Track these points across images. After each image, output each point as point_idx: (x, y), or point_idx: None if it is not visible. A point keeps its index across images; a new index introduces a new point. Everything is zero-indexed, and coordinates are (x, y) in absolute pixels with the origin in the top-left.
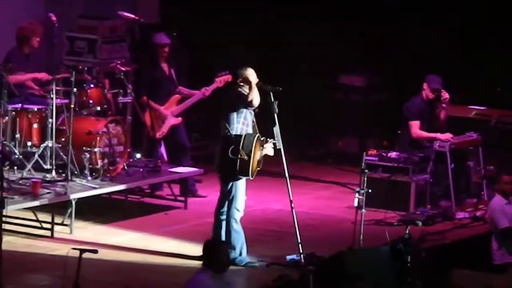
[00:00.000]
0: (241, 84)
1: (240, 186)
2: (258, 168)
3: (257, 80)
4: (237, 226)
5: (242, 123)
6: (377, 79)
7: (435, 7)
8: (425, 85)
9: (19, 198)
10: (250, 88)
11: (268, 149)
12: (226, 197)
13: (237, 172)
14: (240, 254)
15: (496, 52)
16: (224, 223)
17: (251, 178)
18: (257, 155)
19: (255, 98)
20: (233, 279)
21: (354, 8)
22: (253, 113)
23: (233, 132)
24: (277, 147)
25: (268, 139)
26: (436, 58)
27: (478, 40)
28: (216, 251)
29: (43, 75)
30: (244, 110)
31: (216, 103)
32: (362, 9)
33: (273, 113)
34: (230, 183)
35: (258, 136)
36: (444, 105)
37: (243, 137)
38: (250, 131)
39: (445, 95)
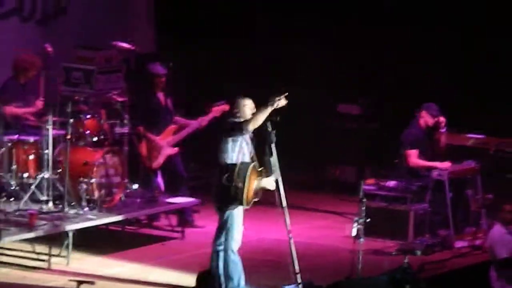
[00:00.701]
0: (238, 114)
1: (236, 215)
2: (256, 199)
3: (254, 110)
4: (234, 257)
5: (238, 151)
6: (373, 108)
7: (431, 35)
8: (423, 113)
9: (15, 230)
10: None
11: (269, 183)
12: (223, 227)
13: (231, 200)
14: (238, 285)
15: (493, 79)
16: (221, 254)
17: (247, 207)
18: (252, 183)
19: (252, 122)
20: None
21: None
22: (250, 143)
23: (229, 161)
24: (274, 178)
25: (268, 172)
26: (431, 87)
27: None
28: (207, 282)
29: (38, 104)
30: (240, 139)
31: (213, 133)
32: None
33: (270, 143)
34: (227, 213)
35: (255, 165)
36: (442, 130)
37: (238, 165)
38: (247, 160)
39: (442, 118)
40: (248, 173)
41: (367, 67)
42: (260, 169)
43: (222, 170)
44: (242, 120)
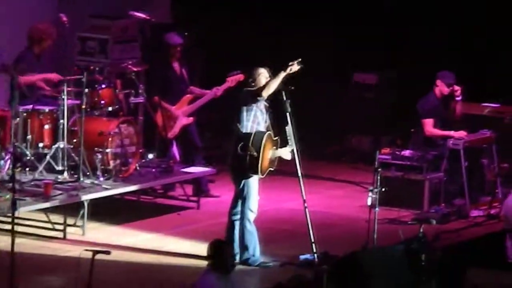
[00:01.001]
0: (253, 84)
1: (252, 185)
2: (272, 168)
3: (269, 79)
4: (250, 227)
5: (252, 121)
6: (390, 77)
7: (445, 5)
8: (438, 82)
9: (31, 200)
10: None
11: (285, 153)
12: (239, 196)
13: (246, 170)
14: (254, 255)
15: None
16: (237, 223)
17: (262, 176)
18: (267, 153)
19: (266, 89)
20: (242, 279)
21: (366, 8)
22: (265, 113)
23: (243, 130)
24: (291, 147)
25: (285, 143)
26: (447, 56)
27: (493, 38)
28: (220, 250)
29: (54, 76)
30: (254, 108)
31: (228, 102)
32: (374, 10)
33: (285, 112)
34: (242, 182)
35: (269, 134)
36: (458, 98)
37: (253, 134)
38: (262, 130)
39: (457, 87)
40: (263, 142)
41: (384, 37)
42: (275, 138)
43: (237, 139)
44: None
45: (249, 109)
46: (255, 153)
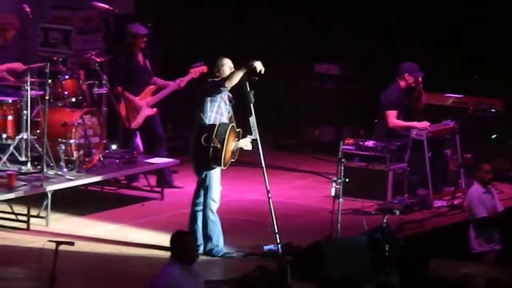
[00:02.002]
0: (217, 74)
1: (214, 176)
2: (233, 159)
3: (233, 69)
4: (213, 217)
5: (216, 111)
6: (351, 68)
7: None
8: (407, 75)
9: None
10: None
11: (245, 143)
12: (201, 187)
13: (209, 161)
14: (217, 245)
15: (472, 39)
16: (200, 214)
17: (224, 168)
18: (230, 144)
19: (229, 79)
20: (206, 269)
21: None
22: (228, 104)
23: (207, 121)
24: (253, 138)
25: (247, 134)
26: (411, 47)
27: (454, 28)
28: (182, 242)
29: (17, 65)
30: (218, 99)
31: (191, 94)
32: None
33: (249, 103)
34: (204, 173)
35: (233, 126)
36: (419, 87)
37: (217, 125)
38: (225, 121)
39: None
40: (227, 134)
41: (344, 29)
42: (238, 130)
43: (200, 130)
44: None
45: (213, 99)
46: (218, 145)
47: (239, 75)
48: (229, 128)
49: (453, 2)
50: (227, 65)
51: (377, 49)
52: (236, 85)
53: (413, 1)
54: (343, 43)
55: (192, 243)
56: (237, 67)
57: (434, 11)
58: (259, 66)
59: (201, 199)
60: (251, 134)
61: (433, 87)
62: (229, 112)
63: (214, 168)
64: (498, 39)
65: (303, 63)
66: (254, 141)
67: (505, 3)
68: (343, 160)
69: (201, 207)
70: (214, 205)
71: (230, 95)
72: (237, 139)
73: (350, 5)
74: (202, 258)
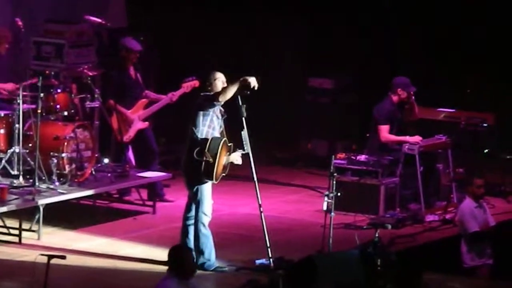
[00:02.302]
0: (209, 88)
1: (206, 190)
2: (224, 174)
3: (225, 84)
4: (205, 231)
5: (208, 126)
6: (345, 82)
7: (405, 8)
8: (400, 90)
9: None
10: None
11: (236, 158)
12: (193, 201)
13: (201, 175)
14: (209, 259)
15: (466, 53)
16: (191, 228)
17: (215, 182)
18: (222, 159)
19: (223, 94)
20: (201, 284)
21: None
22: (221, 118)
23: (199, 135)
24: (245, 151)
25: (237, 148)
26: (404, 60)
27: (447, 41)
28: (182, 257)
29: (9, 86)
30: (211, 113)
31: (182, 108)
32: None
33: (241, 117)
34: (196, 187)
35: (225, 141)
36: (411, 100)
37: (209, 139)
38: (217, 135)
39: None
40: (220, 148)
41: (339, 42)
42: (229, 144)
43: (192, 144)
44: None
45: (206, 113)
46: (211, 159)
47: (232, 90)
48: (222, 143)
49: (453, 2)
50: (220, 79)
51: (375, 56)
52: (228, 99)
53: (413, 2)
54: (340, 48)
55: (192, 259)
56: (231, 81)
57: (433, 12)
58: (253, 82)
59: (193, 213)
60: (242, 148)
61: (425, 100)
62: (221, 127)
63: (205, 182)
64: (499, 40)
65: (297, 77)
66: (246, 155)
67: (505, 3)
68: (335, 174)
69: (192, 221)
70: (205, 219)
71: (222, 110)
72: (228, 153)
73: (349, 6)
74: None
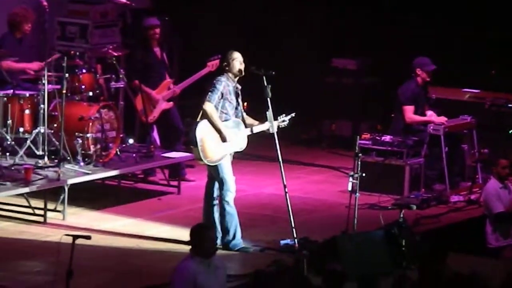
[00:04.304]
0: (226, 68)
1: (225, 167)
2: (237, 149)
3: (243, 65)
4: (230, 208)
5: (220, 111)
6: (369, 62)
7: None
8: (419, 70)
9: (11, 185)
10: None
11: (265, 127)
12: (215, 179)
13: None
14: (234, 237)
15: (491, 34)
16: (215, 207)
17: (209, 163)
18: (208, 141)
19: (209, 112)
20: (224, 263)
21: None
22: (235, 99)
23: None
24: (271, 131)
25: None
26: (428, 42)
27: (471, 22)
28: (201, 235)
29: (35, 66)
30: (222, 101)
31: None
32: None
33: (266, 98)
34: (214, 166)
35: (205, 122)
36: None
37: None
38: (232, 118)
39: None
40: (198, 132)
41: (363, 22)
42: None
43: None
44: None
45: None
46: (192, 146)
47: (214, 124)
48: (200, 126)
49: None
50: (237, 60)
51: (395, 43)
52: (252, 78)
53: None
54: (360, 37)
55: (213, 237)
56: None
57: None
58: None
59: (215, 192)
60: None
61: (450, 81)
62: (237, 107)
63: (221, 160)
64: None
65: (321, 58)
66: (271, 135)
67: None
68: (360, 154)
69: (215, 201)
70: (230, 195)
71: (239, 87)
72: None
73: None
74: (219, 251)
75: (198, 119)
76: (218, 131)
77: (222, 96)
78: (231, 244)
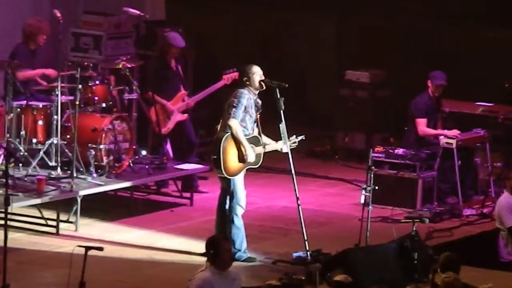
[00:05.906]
0: (247, 83)
1: (238, 181)
2: (253, 165)
3: (263, 77)
4: (238, 221)
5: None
6: (382, 75)
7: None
8: (429, 82)
9: (24, 196)
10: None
11: (278, 146)
12: (226, 192)
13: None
14: (240, 249)
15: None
16: (226, 219)
17: (228, 176)
18: (230, 153)
19: (234, 130)
20: (240, 275)
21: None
22: (255, 112)
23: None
24: (283, 151)
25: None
26: (442, 55)
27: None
28: (218, 247)
29: (51, 72)
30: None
31: (223, 100)
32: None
33: (279, 110)
34: (227, 179)
35: (228, 136)
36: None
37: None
38: (249, 132)
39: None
40: (222, 144)
41: (377, 35)
42: (252, 136)
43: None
44: (252, 89)
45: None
46: (214, 156)
47: (241, 142)
48: (224, 139)
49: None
50: (257, 74)
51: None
52: (266, 91)
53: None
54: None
55: (230, 249)
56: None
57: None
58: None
59: (227, 204)
60: (282, 140)
61: (463, 95)
62: (254, 121)
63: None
64: None
65: (335, 70)
66: (284, 146)
67: None
68: (373, 167)
69: (226, 212)
70: (240, 210)
71: (259, 102)
72: (252, 145)
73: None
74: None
75: (218, 128)
76: (243, 149)
77: (245, 110)
78: (237, 255)
